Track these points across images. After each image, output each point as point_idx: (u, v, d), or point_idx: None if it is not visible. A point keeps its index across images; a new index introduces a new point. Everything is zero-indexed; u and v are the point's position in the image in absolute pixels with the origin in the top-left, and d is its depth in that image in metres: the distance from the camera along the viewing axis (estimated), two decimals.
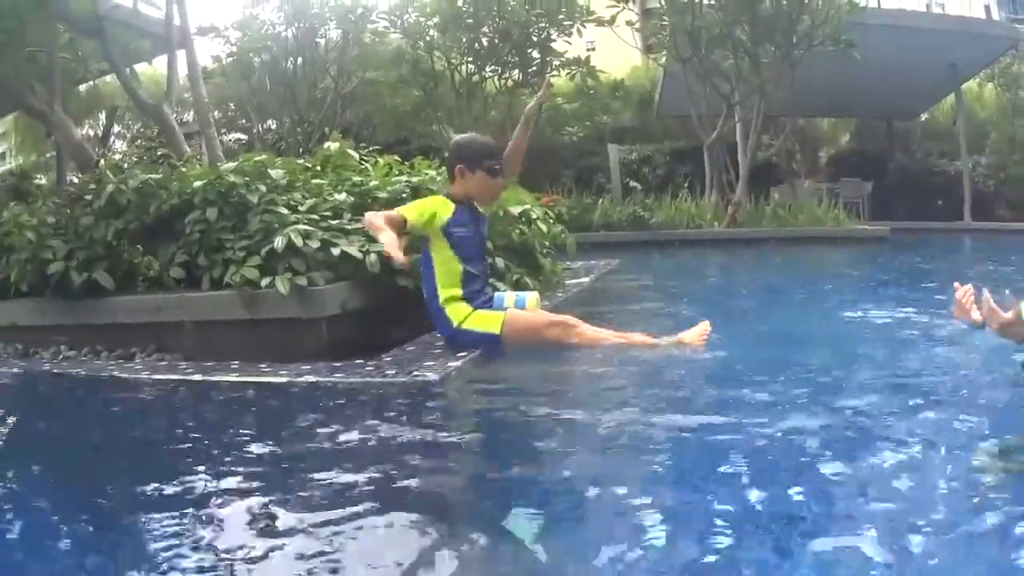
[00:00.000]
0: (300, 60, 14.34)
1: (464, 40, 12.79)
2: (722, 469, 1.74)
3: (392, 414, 2.37)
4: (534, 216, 5.00)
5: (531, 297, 3.40)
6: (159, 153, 13.96)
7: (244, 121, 17.31)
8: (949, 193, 15.62)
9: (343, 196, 3.94)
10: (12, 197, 7.45)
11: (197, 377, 2.98)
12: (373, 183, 4.20)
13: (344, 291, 3.46)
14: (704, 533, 1.42)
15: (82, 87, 13.44)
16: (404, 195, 4.00)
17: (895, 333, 3.56)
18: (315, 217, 3.66)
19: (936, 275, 6.83)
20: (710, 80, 12.45)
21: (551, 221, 5.40)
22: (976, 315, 2.20)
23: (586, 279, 5.84)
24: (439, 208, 3.27)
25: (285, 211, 3.64)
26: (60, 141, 9.46)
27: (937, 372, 2.69)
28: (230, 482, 1.81)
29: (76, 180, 6.13)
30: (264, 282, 3.31)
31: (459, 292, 3.26)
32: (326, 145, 5.02)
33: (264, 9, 14.43)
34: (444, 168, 3.78)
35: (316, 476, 1.81)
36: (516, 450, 2.05)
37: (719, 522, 1.46)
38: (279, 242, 3.37)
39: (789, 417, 2.10)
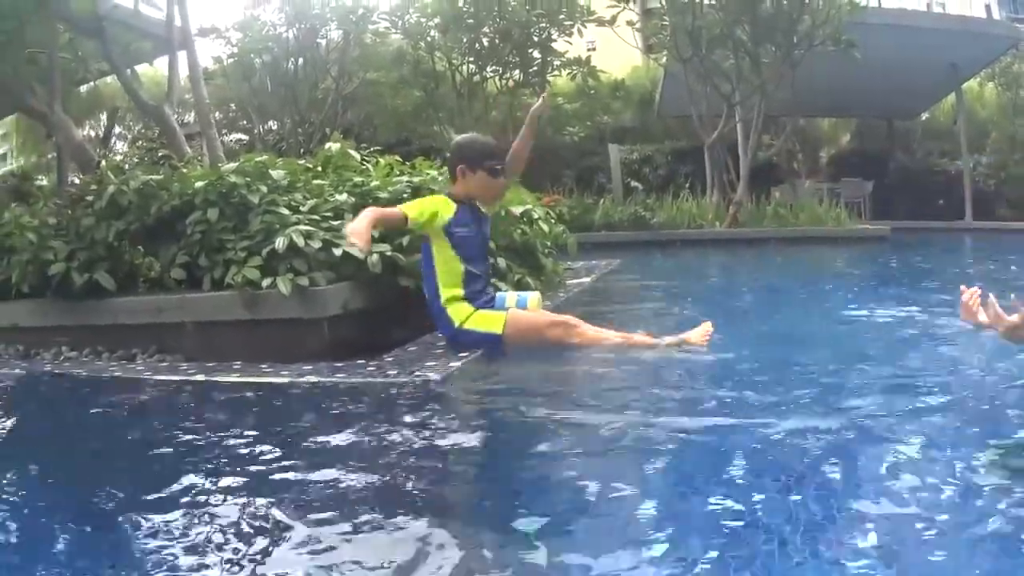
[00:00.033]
0: (301, 61, 14.32)
1: (465, 40, 12.80)
2: (723, 469, 1.74)
3: (394, 414, 2.37)
4: (536, 216, 5.01)
5: (533, 297, 3.39)
6: (160, 154, 13.91)
7: (245, 122, 17.29)
8: (950, 192, 15.61)
9: (344, 197, 3.94)
10: (13, 198, 7.43)
11: (199, 378, 2.98)
12: (374, 183, 4.20)
13: (346, 291, 3.46)
14: (705, 534, 1.42)
15: (83, 88, 13.41)
16: (405, 195, 4.01)
17: (896, 333, 3.57)
18: (316, 218, 3.66)
19: (937, 274, 6.85)
20: (711, 80, 12.44)
21: (552, 221, 5.40)
22: (983, 317, 2.20)
23: (587, 279, 5.85)
24: (440, 207, 3.27)
25: (286, 212, 3.64)
26: (61, 142, 9.45)
27: (939, 372, 2.69)
28: (231, 482, 1.81)
29: (77, 181, 6.12)
30: (265, 282, 3.31)
31: (461, 292, 3.26)
32: (327, 146, 5.02)
33: (265, 10, 14.44)
34: (445, 168, 3.78)
35: (317, 476, 1.81)
36: (517, 450, 2.05)
37: (720, 523, 1.46)
38: (280, 242, 3.37)
39: (791, 417, 2.10)
